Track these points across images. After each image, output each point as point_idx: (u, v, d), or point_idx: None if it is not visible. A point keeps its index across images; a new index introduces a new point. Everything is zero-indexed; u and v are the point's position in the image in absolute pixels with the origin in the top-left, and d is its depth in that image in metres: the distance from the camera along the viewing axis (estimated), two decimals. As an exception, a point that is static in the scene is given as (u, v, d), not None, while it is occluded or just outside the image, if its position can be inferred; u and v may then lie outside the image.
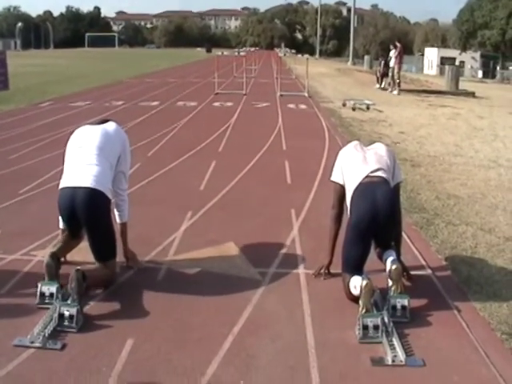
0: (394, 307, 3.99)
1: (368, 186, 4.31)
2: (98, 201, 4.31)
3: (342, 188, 4.55)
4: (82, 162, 4.41)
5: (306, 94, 19.57)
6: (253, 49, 54.79)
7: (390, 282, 4.14)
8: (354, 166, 4.47)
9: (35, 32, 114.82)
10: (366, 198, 4.25)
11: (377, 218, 4.18)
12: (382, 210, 4.19)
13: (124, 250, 4.76)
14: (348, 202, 4.43)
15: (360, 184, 4.33)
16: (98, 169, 4.37)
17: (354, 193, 4.35)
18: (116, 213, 4.73)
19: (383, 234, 4.36)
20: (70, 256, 4.67)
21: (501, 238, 5.70)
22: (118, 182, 4.63)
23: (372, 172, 4.36)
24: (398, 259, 4.36)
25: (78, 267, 4.03)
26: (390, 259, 4.26)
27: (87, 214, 4.26)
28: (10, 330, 3.71)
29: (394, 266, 4.13)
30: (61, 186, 4.39)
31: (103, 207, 4.35)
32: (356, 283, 4.04)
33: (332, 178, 4.68)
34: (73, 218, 4.33)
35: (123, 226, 4.77)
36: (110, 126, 4.72)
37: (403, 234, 4.94)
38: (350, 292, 4.14)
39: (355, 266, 4.22)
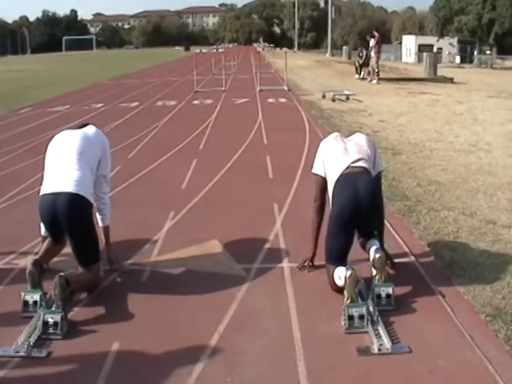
0: (379, 296, 4.01)
1: (349, 177, 4.32)
2: (80, 205, 4.28)
3: (324, 180, 4.56)
4: (63, 167, 4.38)
5: (286, 88, 19.57)
6: (231, 45, 54.81)
7: (374, 271, 4.16)
8: (334, 158, 4.48)
9: (11, 38, 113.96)
10: (348, 189, 4.26)
11: (359, 208, 4.19)
12: (363, 199, 4.20)
13: (107, 253, 4.75)
14: (330, 194, 4.44)
15: (341, 175, 4.34)
16: (79, 173, 4.35)
17: (335, 184, 4.36)
18: (98, 216, 4.71)
19: (366, 224, 4.37)
20: (53, 263, 4.64)
21: (482, 221, 5.74)
22: (99, 185, 4.61)
23: (353, 162, 4.37)
24: (382, 248, 4.37)
25: (61, 273, 4.01)
26: (373, 248, 4.27)
27: (69, 219, 4.23)
28: (-6, 340, 3.69)
29: (377, 255, 4.14)
30: (41, 193, 4.36)
31: (85, 212, 4.33)
32: (340, 274, 4.05)
33: (313, 171, 4.68)
34: (55, 224, 4.30)
35: (106, 229, 4.75)
36: (90, 130, 4.70)
37: (386, 222, 4.96)
38: (335, 283, 4.15)
39: (339, 256, 4.23)
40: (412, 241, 5.23)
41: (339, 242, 4.26)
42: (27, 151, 9.88)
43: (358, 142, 4.61)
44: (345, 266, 4.07)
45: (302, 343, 3.58)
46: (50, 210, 4.25)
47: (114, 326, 3.88)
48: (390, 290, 4.02)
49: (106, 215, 4.73)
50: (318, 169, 4.64)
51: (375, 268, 4.15)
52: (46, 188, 4.34)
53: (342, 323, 3.76)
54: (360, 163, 4.39)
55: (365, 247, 4.45)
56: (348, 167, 4.36)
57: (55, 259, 4.63)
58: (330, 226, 4.32)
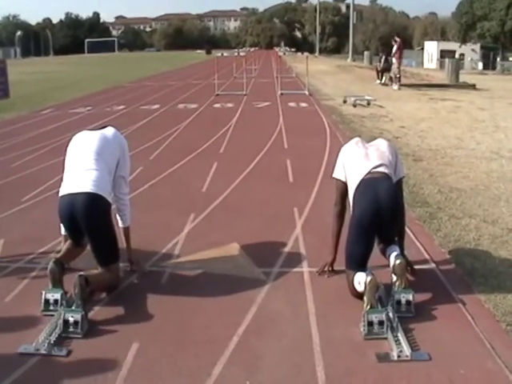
0: (399, 302, 3.99)
1: (370, 182, 4.31)
2: (97, 205, 4.31)
3: (344, 185, 4.55)
4: (81, 167, 4.42)
5: (307, 92, 19.55)
6: (252, 49, 54.78)
7: (394, 277, 4.14)
8: (355, 163, 4.48)
9: (35, 40, 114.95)
10: (369, 194, 4.25)
11: (380, 214, 4.18)
12: (384, 205, 4.19)
13: (127, 254, 4.77)
14: (350, 199, 4.43)
15: (362, 180, 4.33)
16: (97, 174, 4.38)
17: (356, 189, 4.35)
18: (118, 217, 4.73)
19: (386, 230, 4.36)
20: (74, 263, 4.67)
21: (504, 229, 5.69)
22: (119, 186, 4.64)
23: (374, 168, 4.36)
24: (402, 254, 4.35)
25: (81, 273, 4.04)
26: (393, 254, 4.25)
27: (87, 218, 4.26)
28: (14, 338, 3.71)
29: (397, 261, 4.12)
30: (60, 194, 4.39)
31: (103, 211, 4.36)
32: (360, 279, 4.04)
33: (334, 175, 4.68)
34: (73, 224, 4.33)
35: (126, 230, 4.78)
36: (109, 131, 4.73)
37: (407, 228, 4.94)
38: (355, 288, 4.13)
39: (359, 262, 4.22)
40: (433, 248, 5.20)
41: (359, 247, 4.25)
42: (48, 152, 9.96)
43: (380, 148, 4.59)
44: (365, 271, 4.06)
45: (320, 348, 3.57)
46: (68, 211, 4.28)
47: (134, 327, 3.89)
48: (410, 297, 4.00)
49: (126, 216, 4.75)
50: (338, 174, 4.63)
51: (395, 274, 4.14)
52: (65, 189, 4.37)
53: (362, 329, 3.75)
54: (381, 169, 4.37)
55: (385, 253, 4.43)
56: (369, 173, 4.35)
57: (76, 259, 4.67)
58: (351, 231, 4.32)
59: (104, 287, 4.36)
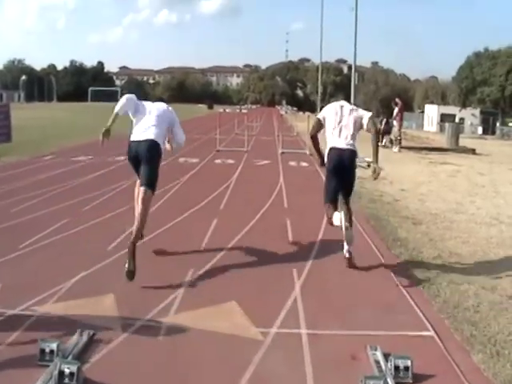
0: (397, 368, 3.96)
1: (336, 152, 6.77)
2: (154, 145, 6.62)
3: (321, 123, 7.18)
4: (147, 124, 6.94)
5: (308, 152, 19.68)
6: (254, 106, 55.45)
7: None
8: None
9: (39, 85, 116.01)
10: (336, 156, 6.73)
11: (341, 162, 6.62)
12: (345, 158, 6.63)
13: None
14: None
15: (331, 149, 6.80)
16: (157, 130, 6.80)
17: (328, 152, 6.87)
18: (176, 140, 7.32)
19: (345, 178, 6.69)
20: (88, 319, 4.64)
21: (503, 296, 5.68)
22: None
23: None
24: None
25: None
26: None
27: (146, 152, 6.54)
28: (9, 389, 3.67)
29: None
30: (131, 139, 6.84)
31: (156, 149, 6.63)
32: (336, 218, 6.32)
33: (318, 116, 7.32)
34: (136, 157, 6.61)
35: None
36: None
37: (405, 293, 4.94)
38: (331, 220, 6.47)
39: (331, 195, 6.67)
40: (431, 314, 5.17)
41: (331, 184, 6.70)
42: (48, 198, 10.00)
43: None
44: (337, 208, 6.52)
45: (318, 412, 3.53)
46: (135, 149, 6.68)
47: (129, 382, 3.85)
48: (409, 363, 3.98)
49: (179, 141, 7.41)
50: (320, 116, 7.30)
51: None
52: (134, 137, 6.87)
53: (360, 394, 3.72)
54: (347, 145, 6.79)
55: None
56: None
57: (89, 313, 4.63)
58: (326, 177, 6.87)
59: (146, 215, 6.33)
